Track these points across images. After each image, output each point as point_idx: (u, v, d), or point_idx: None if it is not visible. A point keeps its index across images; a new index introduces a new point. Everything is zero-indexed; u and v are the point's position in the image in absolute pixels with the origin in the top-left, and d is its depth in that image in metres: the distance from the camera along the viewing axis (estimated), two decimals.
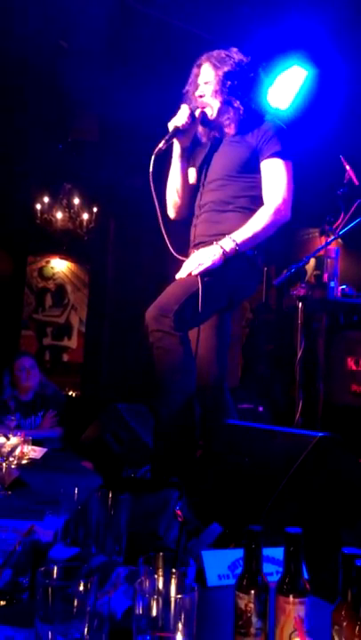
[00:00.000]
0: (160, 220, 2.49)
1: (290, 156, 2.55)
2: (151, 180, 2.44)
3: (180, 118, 2.53)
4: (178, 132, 2.54)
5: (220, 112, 2.56)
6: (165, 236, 2.47)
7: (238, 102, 2.53)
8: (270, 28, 4.19)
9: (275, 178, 2.51)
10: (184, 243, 2.69)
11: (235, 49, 2.61)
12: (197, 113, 2.56)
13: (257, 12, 4.14)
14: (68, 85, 4.78)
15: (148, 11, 4.21)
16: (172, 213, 2.76)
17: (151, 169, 2.45)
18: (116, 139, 5.62)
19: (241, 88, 2.53)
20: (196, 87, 2.60)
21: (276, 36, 4.26)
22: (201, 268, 2.38)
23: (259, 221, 2.45)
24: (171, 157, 2.67)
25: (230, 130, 2.62)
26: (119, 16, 4.18)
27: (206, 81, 2.56)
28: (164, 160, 2.66)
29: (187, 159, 2.70)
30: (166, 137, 2.53)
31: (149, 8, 4.20)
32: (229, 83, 2.51)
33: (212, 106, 2.57)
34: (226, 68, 2.52)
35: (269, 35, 4.22)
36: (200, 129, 2.64)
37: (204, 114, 2.57)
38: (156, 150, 2.50)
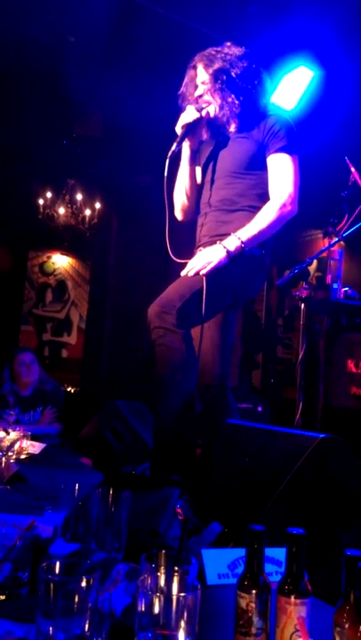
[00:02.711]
0: (167, 225, 2.49)
1: (296, 151, 2.52)
2: (165, 185, 2.43)
3: (188, 116, 2.53)
4: (188, 130, 2.53)
5: (220, 109, 2.54)
6: (167, 241, 2.46)
7: (233, 96, 2.50)
8: (277, 29, 4.19)
9: (282, 172, 2.49)
10: (185, 244, 2.68)
11: (228, 43, 2.59)
12: (204, 112, 2.55)
13: (264, 12, 4.14)
14: (72, 81, 4.77)
15: (153, 7, 4.20)
16: (179, 215, 2.76)
17: (166, 173, 2.45)
18: (121, 135, 5.61)
19: (235, 82, 2.50)
20: (195, 88, 2.60)
21: (283, 37, 4.26)
22: (209, 267, 2.36)
23: (265, 218, 2.43)
24: (177, 158, 2.67)
25: (232, 126, 2.61)
26: (124, 12, 4.17)
27: (202, 81, 2.56)
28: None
29: (195, 161, 2.69)
30: (178, 138, 2.52)
31: (155, 5, 4.19)
32: (222, 78, 2.49)
33: (212, 104, 2.55)
34: (217, 65, 2.50)
35: (276, 35, 4.22)
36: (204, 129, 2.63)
37: (207, 112, 2.56)
38: (170, 153, 2.50)
